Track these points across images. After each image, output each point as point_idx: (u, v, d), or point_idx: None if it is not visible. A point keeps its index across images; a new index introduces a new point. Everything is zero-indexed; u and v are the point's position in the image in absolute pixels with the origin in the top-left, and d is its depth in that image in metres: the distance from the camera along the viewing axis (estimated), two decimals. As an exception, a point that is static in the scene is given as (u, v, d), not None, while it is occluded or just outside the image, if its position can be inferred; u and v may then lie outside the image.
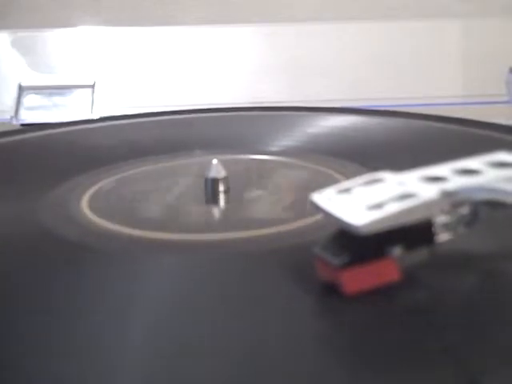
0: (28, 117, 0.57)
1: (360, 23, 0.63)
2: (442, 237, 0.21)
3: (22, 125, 0.56)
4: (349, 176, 0.31)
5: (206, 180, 0.31)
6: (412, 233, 0.20)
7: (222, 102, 0.54)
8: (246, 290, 0.22)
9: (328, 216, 0.21)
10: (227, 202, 0.31)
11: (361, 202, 0.20)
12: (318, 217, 0.26)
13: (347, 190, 0.21)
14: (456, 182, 0.21)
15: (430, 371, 0.17)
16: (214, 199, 0.31)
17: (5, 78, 0.60)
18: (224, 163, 0.31)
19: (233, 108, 0.51)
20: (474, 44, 0.62)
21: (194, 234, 0.27)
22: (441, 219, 0.21)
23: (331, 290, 0.20)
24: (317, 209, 0.21)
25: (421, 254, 0.21)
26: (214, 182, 0.31)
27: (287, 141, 0.41)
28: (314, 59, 0.62)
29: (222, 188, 0.31)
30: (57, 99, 0.58)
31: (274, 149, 0.39)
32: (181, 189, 0.32)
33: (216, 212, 0.30)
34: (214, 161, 0.31)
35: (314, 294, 0.21)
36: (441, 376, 0.17)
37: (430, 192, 0.20)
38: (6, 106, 0.58)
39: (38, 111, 0.57)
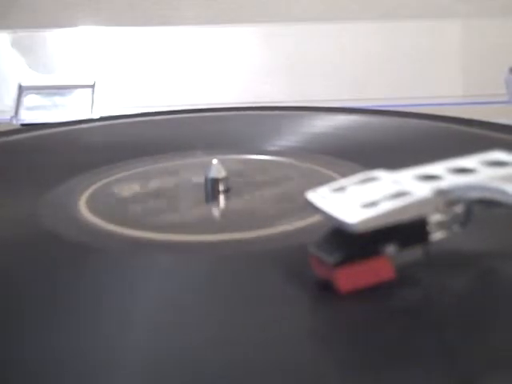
0: (28, 117, 0.57)
1: (360, 23, 0.63)
2: (437, 235, 0.21)
3: (22, 125, 0.56)
4: (348, 176, 0.31)
5: (206, 180, 0.31)
6: (406, 231, 0.20)
7: (223, 102, 0.54)
8: (245, 289, 0.22)
9: (323, 214, 0.21)
10: (227, 202, 0.31)
11: (355, 200, 0.20)
12: (318, 217, 0.26)
13: (342, 189, 0.21)
14: (450, 181, 0.21)
15: (424, 370, 0.17)
16: (213, 199, 0.31)
17: (5, 78, 0.60)
18: (224, 163, 0.31)
19: (233, 108, 0.51)
20: (474, 44, 0.62)
21: (194, 234, 0.27)
22: (435, 218, 0.21)
23: (326, 288, 0.20)
24: (312, 207, 0.21)
25: (415, 253, 0.21)
26: (214, 181, 0.31)
27: (287, 141, 0.41)
28: (314, 59, 0.62)
29: (221, 188, 0.31)
30: (57, 99, 0.58)
31: (273, 149, 0.39)
32: (181, 189, 0.32)
33: (216, 212, 0.30)
34: (214, 161, 0.31)
35: (309, 292, 0.21)
36: (436, 375, 0.17)
37: (424, 190, 0.20)
38: (6, 106, 0.58)
39: (37, 111, 0.57)
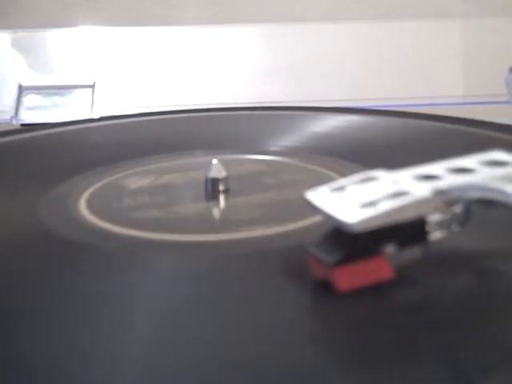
0: (28, 117, 0.57)
1: (360, 23, 0.63)
2: (436, 235, 0.21)
3: (22, 125, 0.56)
4: (348, 176, 0.31)
5: (206, 180, 0.31)
6: (405, 231, 0.20)
7: (223, 102, 0.54)
8: (245, 289, 0.22)
9: (322, 214, 0.21)
10: (227, 202, 0.31)
11: (354, 199, 0.20)
12: (317, 217, 0.26)
13: (341, 188, 0.22)
14: (450, 181, 0.21)
15: (423, 370, 0.17)
16: (213, 199, 0.31)
17: (5, 78, 0.60)
18: (224, 163, 0.31)
19: (233, 108, 0.51)
20: (474, 44, 0.62)
21: (194, 234, 0.27)
22: (434, 217, 0.21)
23: (325, 288, 0.20)
24: (311, 207, 0.21)
25: (414, 252, 0.21)
26: (214, 181, 0.31)
27: (287, 141, 0.41)
28: (314, 59, 0.62)
29: (221, 188, 0.31)
30: (57, 99, 0.58)
31: (274, 149, 0.39)
32: (181, 189, 0.32)
33: (216, 212, 0.30)
34: (214, 161, 0.31)
35: (308, 292, 0.21)
36: (435, 375, 0.17)
37: (422, 190, 0.20)
38: (6, 106, 0.58)
39: (38, 111, 0.57)
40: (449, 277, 0.21)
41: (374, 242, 0.20)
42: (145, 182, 0.34)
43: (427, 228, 0.21)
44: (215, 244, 0.26)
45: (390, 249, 0.20)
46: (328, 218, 0.20)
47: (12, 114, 0.57)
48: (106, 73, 0.61)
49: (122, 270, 0.24)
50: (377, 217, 0.20)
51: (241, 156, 0.37)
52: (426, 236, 0.21)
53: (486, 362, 0.17)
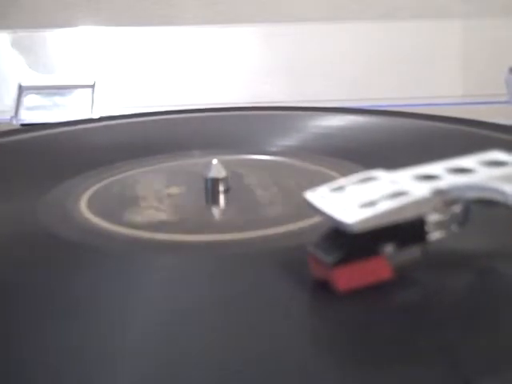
0: (28, 117, 0.57)
1: (360, 23, 0.63)
2: (435, 235, 0.21)
3: (22, 125, 0.56)
4: (347, 176, 0.31)
5: (206, 180, 0.31)
6: (404, 231, 0.20)
7: (222, 102, 0.54)
8: (245, 290, 0.22)
9: (321, 214, 0.21)
10: (227, 202, 0.31)
11: (353, 199, 0.20)
12: (317, 217, 0.26)
13: (340, 188, 0.22)
14: (449, 181, 0.21)
15: (422, 370, 0.17)
16: (213, 199, 0.31)
17: (5, 78, 0.60)
18: (224, 163, 0.31)
19: (232, 108, 0.51)
20: (474, 44, 0.62)
21: (194, 234, 0.27)
22: (433, 217, 0.21)
23: (325, 288, 0.20)
24: (311, 207, 0.21)
25: (413, 252, 0.21)
26: (214, 181, 0.31)
27: (287, 141, 0.41)
28: (314, 59, 0.62)
29: (221, 188, 0.31)
30: (57, 99, 0.58)
31: (273, 149, 0.39)
32: (181, 189, 0.32)
33: (216, 212, 0.30)
34: (214, 161, 0.31)
35: (308, 292, 0.21)
36: (434, 375, 0.17)
37: (422, 190, 0.20)
38: (6, 106, 0.58)
39: (38, 111, 0.57)
40: (448, 277, 0.21)
41: (374, 242, 0.20)
42: (145, 182, 0.34)
43: (426, 228, 0.21)
44: (215, 244, 0.26)
45: (389, 249, 0.20)
46: (327, 218, 0.20)
47: (12, 113, 0.57)
48: (106, 73, 0.61)
49: (122, 270, 0.24)
50: (376, 217, 0.20)
51: (241, 156, 0.37)
52: (426, 236, 0.21)
53: (485, 362, 0.17)
